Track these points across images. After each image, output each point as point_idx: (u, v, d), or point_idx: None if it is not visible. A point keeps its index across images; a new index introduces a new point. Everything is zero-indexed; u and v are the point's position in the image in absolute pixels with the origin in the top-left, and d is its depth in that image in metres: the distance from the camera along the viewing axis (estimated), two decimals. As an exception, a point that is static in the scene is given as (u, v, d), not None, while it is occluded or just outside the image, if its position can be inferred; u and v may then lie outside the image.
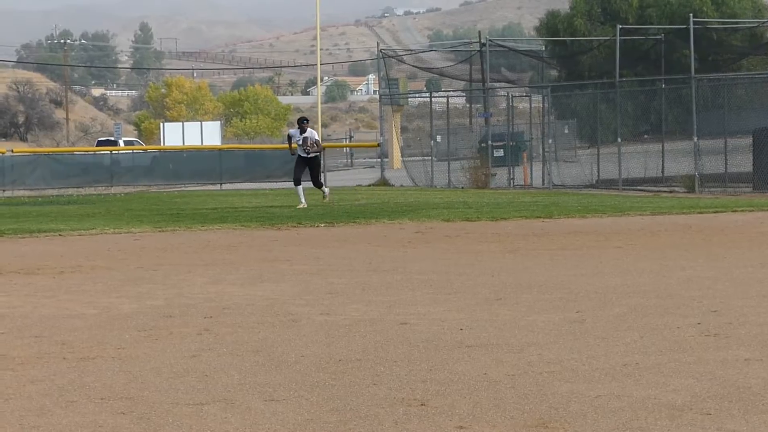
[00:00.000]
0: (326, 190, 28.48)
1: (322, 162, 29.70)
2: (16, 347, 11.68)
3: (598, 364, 10.04)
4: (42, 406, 9.16)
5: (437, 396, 9.00)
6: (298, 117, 32.08)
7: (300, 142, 29.66)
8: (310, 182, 31.13)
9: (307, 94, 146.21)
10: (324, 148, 31.83)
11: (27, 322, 13.37)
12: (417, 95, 63.56)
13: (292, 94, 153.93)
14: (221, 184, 41.22)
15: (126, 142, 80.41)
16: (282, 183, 38.90)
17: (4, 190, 45.74)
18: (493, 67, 50.16)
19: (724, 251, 20.01)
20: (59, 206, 36.04)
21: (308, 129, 29.86)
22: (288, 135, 30.96)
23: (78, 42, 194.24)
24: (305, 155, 29.31)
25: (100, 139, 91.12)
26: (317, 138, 30.19)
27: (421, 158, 53.32)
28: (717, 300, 13.97)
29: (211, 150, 55.84)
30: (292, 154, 30.94)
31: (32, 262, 19.87)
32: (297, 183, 29.06)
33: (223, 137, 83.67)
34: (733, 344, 10.87)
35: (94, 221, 28.51)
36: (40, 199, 41.38)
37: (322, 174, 28.28)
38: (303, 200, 28.34)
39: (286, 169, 40.25)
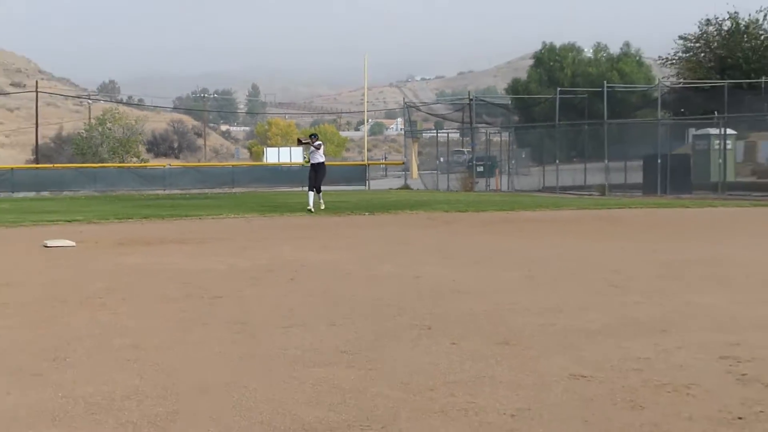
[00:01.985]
0: (321, 198, 26.73)
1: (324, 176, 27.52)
2: (172, 289, 11.73)
3: (541, 304, 10.07)
4: (186, 326, 9.27)
5: (438, 323, 9.07)
6: (311, 134, 29.57)
7: (316, 154, 27.17)
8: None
9: (358, 130, 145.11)
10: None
11: (179, 273, 13.42)
12: (428, 132, 63.27)
13: (348, 130, 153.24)
14: (302, 186, 41.16)
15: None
16: (338, 186, 37.94)
17: (164, 190, 45.87)
18: (477, 114, 49.82)
19: (624, 232, 19.95)
20: (199, 200, 36.00)
21: (317, 142, 27.47)
22: (313, 152, 28.23)
23: (212, 95, 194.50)
24: (318, 161, 26.97)
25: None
26: (321, 148, 27.74)
27: (430, 171, 53.30)
28: (617, 263, 13.91)
29: (294, 165, 55.77)
30: (306, 164, 29.19)
31: (182, 235, 19.86)
32: (311, 189, 27.02)
33: (303, 158, 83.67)
34: (628, 292, 10.86)
35: (221, 210, 28.49)
36: (187, 195, 41.41)
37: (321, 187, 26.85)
38: (314, 206, 26.50)
39: (337, 178, 40.36)
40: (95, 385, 6.70)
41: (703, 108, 41.45)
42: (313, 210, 26.15)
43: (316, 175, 26.78)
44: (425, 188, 48.62)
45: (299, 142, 29.03)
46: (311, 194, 26.78)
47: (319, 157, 27.08)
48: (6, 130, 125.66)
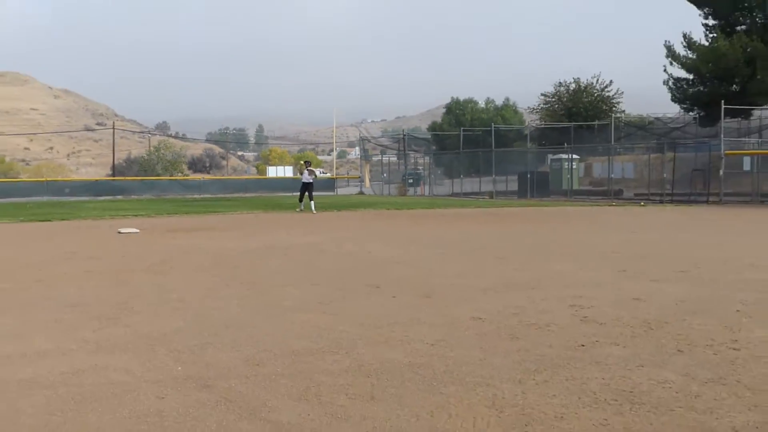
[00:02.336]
0: (313, 204, 25.65)
1: (313, 190, 26.66)
2: (204, 261, 11.59)
3: (451, 271, 10.00)
4: (215, 286, 9.14)
5: (384, 283, 9.00)
6: (304, 160, 28.72)
7: (305, 176, 26.36)
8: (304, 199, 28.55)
9: (329, 155, 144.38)
10: (315, 178, 28.22)
11: (209, 250, 13.28)
12: (376, 156, 63.08)
13: (323, 155, 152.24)
14: (293, 192, 40.72)
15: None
16: (316, 192, 38.12)
17: (199, 195, 45.30)
18: (408, 145, 49.77)
19: (505, 222, 20.03)
20: (222, 202, 35.54)
21: (310, 168, 26.77)
22: (305, 174, 27.14)
23: (231, 131, 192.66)
24: (306, 182, 26.15)
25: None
26: (313, 172, 27.33)
27: (377, 182, 53.19)
28: (504, 245, 13.88)
29: (286, 178, 55.41)
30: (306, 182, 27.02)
31: (211, 225, 19.65)
32: (300, 200, 26.29)
33: (294, 173, 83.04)
34: (509, 263, 10.91)
35: (236, 208, 28.21)
36: (214, 198, 41.00)
37: (313, 196, 26.10)
38: (301, 207, 25.85)
39: (316, 187, 40.26)
40: (152, 325, 6.66)
41: (557, 141, 41.77)
42: (302, 209, 25.69)
43: (306, 189, 26.16)
44: (374, 194, 48.48)
45: (306, 165, 28.35)
46: (302, 202, 26.11)
47: (306, 178, 26.41)
48: (93, 154, 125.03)
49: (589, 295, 7.79)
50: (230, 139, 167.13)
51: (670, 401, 4.36)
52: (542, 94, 53.62)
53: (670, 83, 36.98)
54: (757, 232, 16.02)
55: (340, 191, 50.62)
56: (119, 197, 42.85)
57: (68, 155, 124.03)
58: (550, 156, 41.88)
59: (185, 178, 63.46)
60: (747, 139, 33.18)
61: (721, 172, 28.96)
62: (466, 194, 40.79)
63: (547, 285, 8.59)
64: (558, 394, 4.52)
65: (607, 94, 51.19)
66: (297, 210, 26.00)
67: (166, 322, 6.82)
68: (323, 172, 26.09)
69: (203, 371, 5.14)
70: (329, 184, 50.34)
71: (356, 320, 6.78)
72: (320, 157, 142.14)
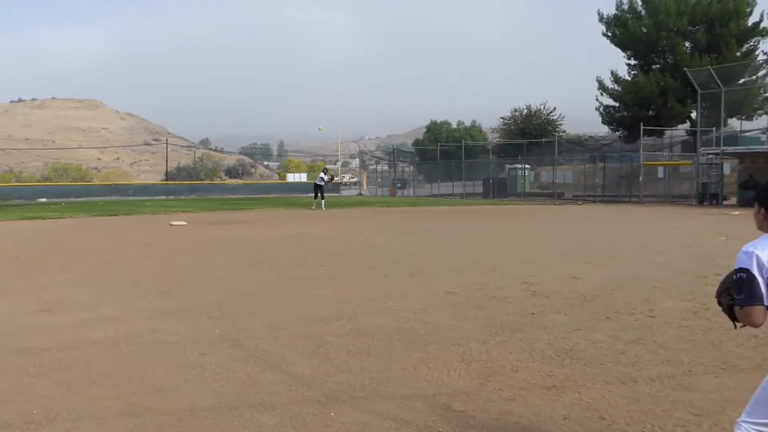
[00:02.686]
0: (323, 203, 24.70)
1: (325, 191, 25.87)
2: (236, 247, 11.50)
3: (429, 255, 9.90)
4: (244, 266, 9.05)
5: (378, 265, 8.92)
6: (324, 167, 28.10)
7: (321, 179, 25.58)
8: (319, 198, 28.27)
9: (335, 164, 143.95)
10: (329, 181, 27.04)
11: (240, 238, 13.20)
12: (372, 165, 62.85)
13: (330, 164, 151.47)
14: (307, 194, 40.51)
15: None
16: (325, 194, 37.55)
17: (234, 196, 44.84)
18: (397, 156, 49.74)
19: (472, 217, 19.97)
20: (251, 201, 35.39)
21: (326, 172, 26.33)
22: (319, 177, 26.48)
23: (259, 146, 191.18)
24: (320, 184, 25.34)
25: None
26: (328, 178, 26.27)
27: (373, 186, 52.93)
28: (469, 234, 13.78)
29: (301, 182, 55.07)
30: (318, 184, 26.23)
31: (242, 219, 19.54)
32: (315, 199, 25.33)
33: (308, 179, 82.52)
34: (475, 248, 10.84)
35: (262, 206, 28.04)
36: (246, 198, 40.74)
37: (325, 195, 25.19)
38: (315, 206, 24.84)
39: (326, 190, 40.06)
40: (196, 298, 6.59)
41: (513, 153, 41.64)
42: (313, 208, 25.17)
43: (318, 190, 25.44)
44: (370, 195, 48.31)
45: (324, 171, 27.57)
46: (315, 200, 25.40)
47: (319, 180, 25.74)
48: (150, 163, 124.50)
49: (538, 275, 7.77)
50: (258, 152, 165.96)
51: (600, 357, 4.36)
52: (501, 117, 53.55)
53: (601, 109, 36.98)
54: (667, 226, 16.01)
55: (344, 193, 50.41)
56: (171, 197, 42.52)
57: (131, 164, 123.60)
58: (507, 165, 41.65)
59: (222, 182, 63.13)
60: (660, 153, 33.38)
61: (640, 179, 28.99)
62: (442, 195, 40.63)
63: (505, 266, 8.55)
64: (514, 351, 4.51)
65: (552, 117, 51.12)
66: (311, 208, 25.58)
67: (206, 295, 6.76)
68: (333, 178, 25.79)
69: (236, 333, 5.11)
70: (335, 187, 50.16)
71: (356, 294, 6.73)
72: (329, 166, 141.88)
